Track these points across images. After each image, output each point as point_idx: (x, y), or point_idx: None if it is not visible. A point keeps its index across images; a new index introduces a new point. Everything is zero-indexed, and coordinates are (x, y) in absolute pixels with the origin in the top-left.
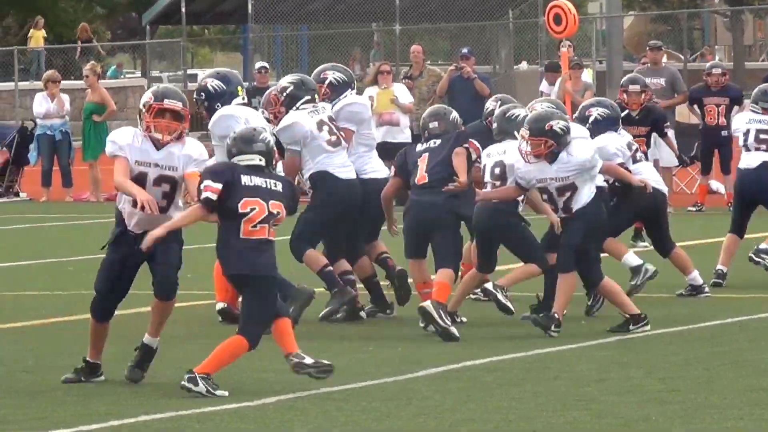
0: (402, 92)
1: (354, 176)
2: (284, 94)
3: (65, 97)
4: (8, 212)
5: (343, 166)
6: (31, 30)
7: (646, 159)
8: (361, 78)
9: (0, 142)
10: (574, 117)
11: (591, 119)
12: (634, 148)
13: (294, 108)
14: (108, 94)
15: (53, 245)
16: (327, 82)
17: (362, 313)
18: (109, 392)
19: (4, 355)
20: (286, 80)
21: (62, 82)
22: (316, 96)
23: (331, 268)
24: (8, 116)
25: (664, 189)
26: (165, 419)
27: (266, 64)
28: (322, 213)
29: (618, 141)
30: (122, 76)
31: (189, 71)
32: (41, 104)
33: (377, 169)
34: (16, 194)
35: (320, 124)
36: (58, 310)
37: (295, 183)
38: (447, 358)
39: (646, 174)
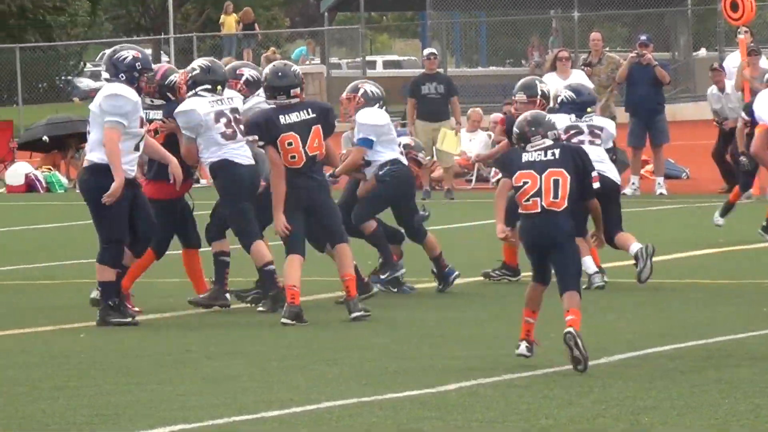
0: (580, 78)
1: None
2: (189, 76)
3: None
4: None
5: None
6: (222, 16)
7: None
8: (540, 65)
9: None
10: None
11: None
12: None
13: (193, 93)
14: None
15: None
16: (243, 78)
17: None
18: (291, 379)
19: (190, 341)
20: (195, 63)
21: None
22: (219, 87)
23: (273, 267)
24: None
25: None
26: (348, 405)
27: (435, 51)
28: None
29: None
30: (308, 60)
31: (368, 58)
32: None
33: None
34: None
35: (218, 115)
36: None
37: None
38: (628, 346)
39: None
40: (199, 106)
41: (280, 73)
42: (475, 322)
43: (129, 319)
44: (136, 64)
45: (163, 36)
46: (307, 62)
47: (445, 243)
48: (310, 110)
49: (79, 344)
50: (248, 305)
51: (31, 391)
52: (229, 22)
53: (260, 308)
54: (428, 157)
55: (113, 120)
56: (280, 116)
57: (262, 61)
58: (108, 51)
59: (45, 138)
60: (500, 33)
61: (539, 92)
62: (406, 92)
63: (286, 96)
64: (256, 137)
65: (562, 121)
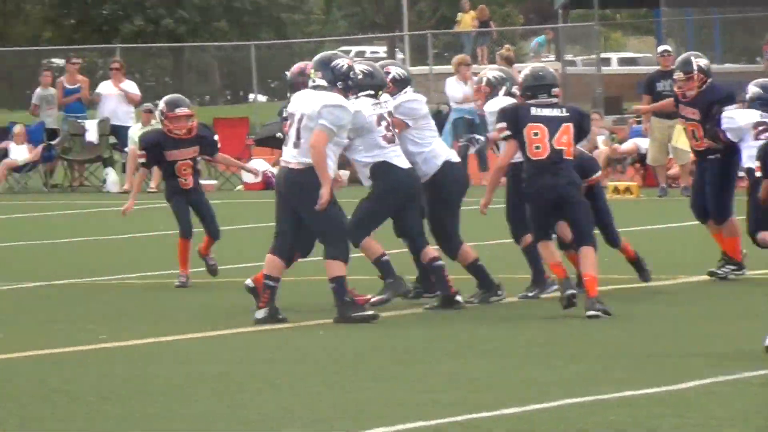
0: None
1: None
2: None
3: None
4: None
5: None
6: (460, 14)
7: None
8: None
9: None
10: None
11: None
12: None
13: (355, 96)
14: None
15: None
16: (390, 76)
17: (458, 298)
18: (530, 376)
19: (429, 338)
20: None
21: (473, 66)
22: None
23: (387, 257)
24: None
25: None
26: (585, 403)
27: (669, 48)
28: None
29: None
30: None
31: (602, 55)
32: (455, 88)
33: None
34: None
35: (380, 118)
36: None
37: None
38: None
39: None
40: (363, 107)
41: (541, 73)
42: (711, 318)
43: (370, 313)
44: (351, 74)
45: (397, 33)
46: (542, 56)
47: (678, 240)
48: (564, 110)
49: (318, 341)
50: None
51: (270, 388)
52: (466, 20)
53: (374, 299)
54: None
55: (327, 126)
56: (533, 108)
57: (497, 58)
58: (326, 54)
59: (279, 134)
60: (734, 30)
61: (695, 68)
62: (641, 89)
63: (548, 95)
64: (504, 125)
65: (752, 116)
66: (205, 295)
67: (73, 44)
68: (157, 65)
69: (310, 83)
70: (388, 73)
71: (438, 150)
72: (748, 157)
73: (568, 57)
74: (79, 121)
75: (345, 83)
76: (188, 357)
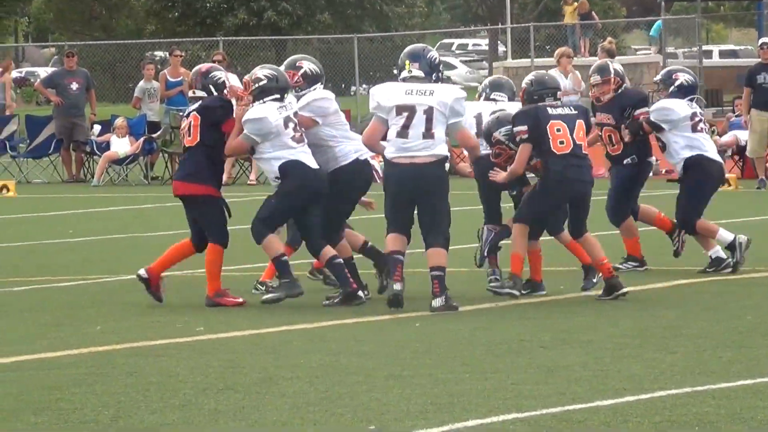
0: None
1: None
2: (257, 85)
3: (578, 73)
4: None
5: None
6: (564, 7)
7: None
8: None
9: None
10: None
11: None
12: None
13: (261, 101)
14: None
15: None
16: (302, 71)
17: (360, 293)
18: (625, 368)
19: (524, 330)
20: (261, 73)
21: (575, 58)
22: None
23: (287, 258)
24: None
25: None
26: (681, 395)
27: None
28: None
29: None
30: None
31: (704, 47)
32: None
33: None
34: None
35: (287, 121)
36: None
37: None
38: None
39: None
40: (269, 113)
41: (546, 78)
42: None
43: (454, 304)
44: (440, 66)
45: (500, 26)
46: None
47: None
48: (571, 108)
49: (414, 333)
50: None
51: (365, 380)
52: (570, 13)
53: (266, 296)
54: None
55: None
56: (549, 108)
57: (599, 51)
58: (418, 46)
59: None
60: None
61: (612, 72)
62: (741, 82)
63: (554, 98)
64: (525, 128)
65: (686, 108)
66: (304, 286)
67: (176, 37)
68: (259, 58)
69: (404, 74)
70: (300, 67)
71: (349, 147)
72: (683, 147)
73: (670, 49)
74: (181, 113)
75: (438, 75)
76: (284, 349)
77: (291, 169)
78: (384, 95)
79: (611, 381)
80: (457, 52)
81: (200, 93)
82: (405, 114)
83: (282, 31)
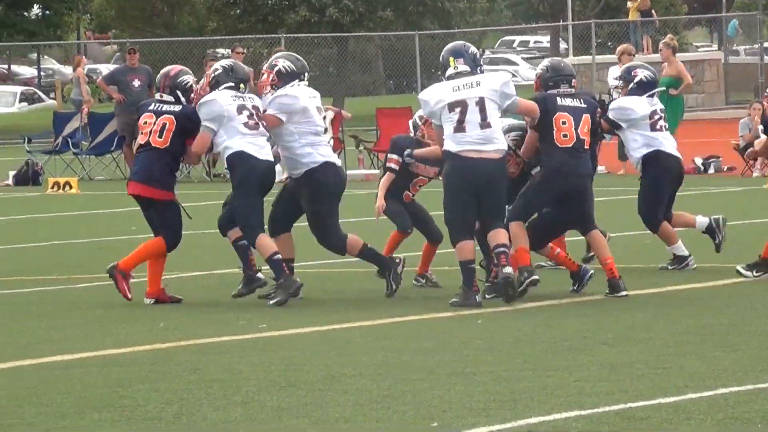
0: None
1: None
2: (213, 75)
3: None
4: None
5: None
6: (629, 3)
7: None
8: None
9: None
10: None
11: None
12: None
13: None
14: (684, 68)
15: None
16: (276, 69)
17: (259, 275)
18: (687, 365)
19: (587, 327)
20: (218, 64)
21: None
22: (242, 86)
23: (279, 256)
24: (586, 89)
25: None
26: (744, 392)
27: None
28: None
29: None
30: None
31: (765, 44)
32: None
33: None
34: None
35: (240, 108)
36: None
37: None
38: None
39: None
40: (220, 97)
41: (562, 64)
42: None
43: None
44: (482, 60)
45: (561, 23)
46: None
47: None
48: (582, 101)
49: (476, 330)
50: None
51: (428, 377)
52: (633, 9)
53: (271, 301)
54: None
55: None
56: (558, 98)
57: (660, 47)
58: (458, 43)
59: None
60: None
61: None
62: None
63: (568, 85)
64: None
65: (645, 105)
66: (367, 284)
67: (238, 34)
68: (321, 55)
69: (450, 71)
70: (275, 65)
71: (318, 150)
72: (641, 146)
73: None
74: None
75: (481, 69)
76: (347, 346)
77: (237, 161)
78: (433, 98)
79: (673, 378)
80: (519, 49)
81: (167, 97)
82: (458, 109)
83: (343, 28)
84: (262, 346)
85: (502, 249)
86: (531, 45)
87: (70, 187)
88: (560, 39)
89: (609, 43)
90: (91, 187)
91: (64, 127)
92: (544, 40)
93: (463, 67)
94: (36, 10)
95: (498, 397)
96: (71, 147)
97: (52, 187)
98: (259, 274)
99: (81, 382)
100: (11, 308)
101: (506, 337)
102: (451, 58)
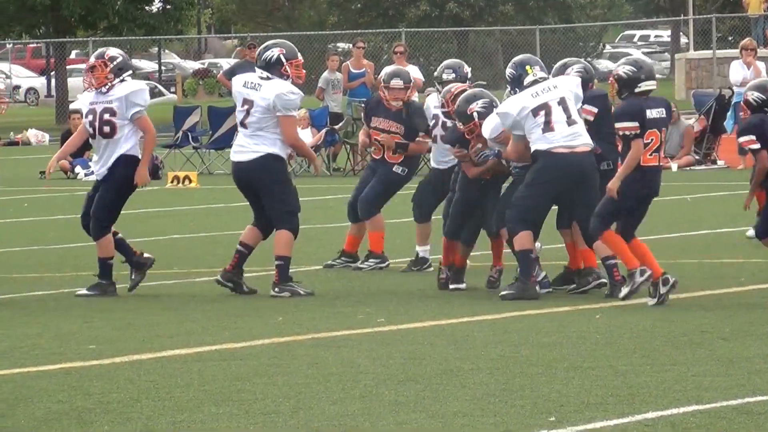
0: None
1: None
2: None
3: (761, 65)
4: (707, 179)
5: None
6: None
7: None
8: None
9: (698, 110)
10: None
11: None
12: None
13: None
14: None
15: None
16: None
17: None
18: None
19: (706, 322)
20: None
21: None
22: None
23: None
24: (706, 84)
25: None
26: None
27: None
28: None
29: None
30: None
31: None
32: (738, 72)
33: None
34: (714, 161)
35: None
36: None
37: None
38: None
39: None
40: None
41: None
42: None
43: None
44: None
45: (682, 17)
46: None
47: None
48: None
49: (595, 325)
50: None
51: (546, 371)
52: (755, 3)
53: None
54: None
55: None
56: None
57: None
58: (525, 55)
59: None
60: None
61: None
62: None
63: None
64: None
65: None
66: (484, 280)
67: (359, 29)
68: (441, 50)
69: (529, 79)
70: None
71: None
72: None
73: None
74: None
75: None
76: (466, 340)
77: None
78: (514, 108)
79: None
80: (639, 43)
81: None
82: (542, 112)
83: (464, 22)
84: (380, 340)
85: (612, 261)
86: (651, 39)
87: (190, 181)
88: (681, 33)
89: (730, 38)
90: (210, 182)
91: (184, 122)
92: (665, 34)
93: (541, 74)
94: (157, 4)
95: (615, 391)
96: (191, 141)
97: (172, 181)
98: (147, 254)
99: (199, 376)
100: (131, 301)
101: (624, 331)
102: (528, 66)
